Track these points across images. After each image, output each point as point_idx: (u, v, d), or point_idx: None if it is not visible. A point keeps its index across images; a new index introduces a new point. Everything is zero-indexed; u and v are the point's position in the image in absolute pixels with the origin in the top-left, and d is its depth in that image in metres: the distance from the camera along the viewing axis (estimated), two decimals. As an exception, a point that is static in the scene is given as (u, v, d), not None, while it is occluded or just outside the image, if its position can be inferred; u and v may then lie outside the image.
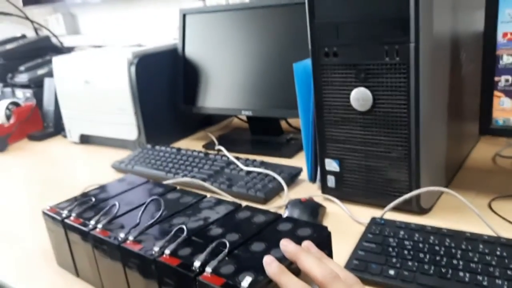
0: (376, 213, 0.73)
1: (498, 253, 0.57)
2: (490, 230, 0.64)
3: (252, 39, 1.11)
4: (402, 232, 0.64)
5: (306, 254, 0.47)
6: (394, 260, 0.59)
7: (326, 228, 0.54)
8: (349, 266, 0.60)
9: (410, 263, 0.58)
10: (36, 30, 1.92)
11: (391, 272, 0.57)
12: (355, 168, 0.77)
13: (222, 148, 1.07)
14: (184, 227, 0.54)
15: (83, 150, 1.34)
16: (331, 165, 0.79)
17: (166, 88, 1.24)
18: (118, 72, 1.16)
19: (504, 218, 0.69)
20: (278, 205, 0.82)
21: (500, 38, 0.69)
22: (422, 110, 0.68)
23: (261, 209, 0.60)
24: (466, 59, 0.82)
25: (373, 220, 0.68)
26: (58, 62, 1.33)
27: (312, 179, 0.89)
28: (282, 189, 0.86)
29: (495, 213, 0.71)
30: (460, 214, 0.71)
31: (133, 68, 1.14)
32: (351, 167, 0.77)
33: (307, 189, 0.88)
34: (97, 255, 0.60)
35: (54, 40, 1.84)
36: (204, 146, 1.18)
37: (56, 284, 0.68)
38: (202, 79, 1.21)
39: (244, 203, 0.64)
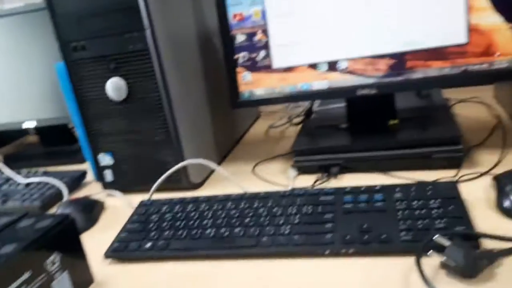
0: (153, 197, 0.75)
1: (241, 206, 0.63)
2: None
3: (11, 49, 1.05)
4: (165, 208, 0.67)
5: None
6: (152, 234, 0.61)
7: (67, 216, 0.53)
8: (110, 250, 0.60)
9: (166, 233, 0.61)
10: None
11: (148, 245, 0.59)
12: (127, 158, 0.78)
13: (0, 164, 0.99)
14: None
15: None
16: (105, 159, 0.80)
17: None
18: None
19: (260, 178, 0.78)
20: (58, 210, 0.79)
21: (231, 20, 0.77)
22: (173, 93, 0.72)
23: (5, 212, 0.57)
24: (220, 45, 0.90)
25: (141, 203, 0.70)
26: None
27: (98, 178, 0.88)
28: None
29: (256, 175, 0.80)
30: (227, 183, 0.78)
31: None
32: (124, 158, 0.78)
33: (93, 190, 0.87)
34: None
35: None
36: (-13, 168, 1.08)
37: None
38: (-24, 96, 1.10)
39: None
